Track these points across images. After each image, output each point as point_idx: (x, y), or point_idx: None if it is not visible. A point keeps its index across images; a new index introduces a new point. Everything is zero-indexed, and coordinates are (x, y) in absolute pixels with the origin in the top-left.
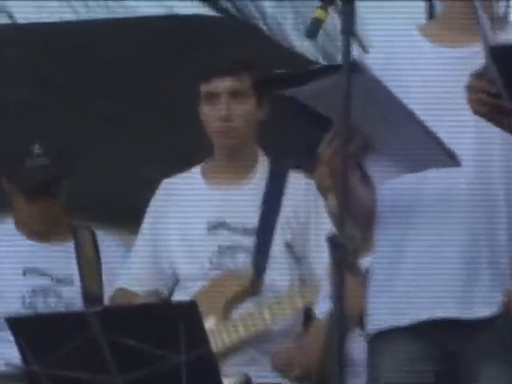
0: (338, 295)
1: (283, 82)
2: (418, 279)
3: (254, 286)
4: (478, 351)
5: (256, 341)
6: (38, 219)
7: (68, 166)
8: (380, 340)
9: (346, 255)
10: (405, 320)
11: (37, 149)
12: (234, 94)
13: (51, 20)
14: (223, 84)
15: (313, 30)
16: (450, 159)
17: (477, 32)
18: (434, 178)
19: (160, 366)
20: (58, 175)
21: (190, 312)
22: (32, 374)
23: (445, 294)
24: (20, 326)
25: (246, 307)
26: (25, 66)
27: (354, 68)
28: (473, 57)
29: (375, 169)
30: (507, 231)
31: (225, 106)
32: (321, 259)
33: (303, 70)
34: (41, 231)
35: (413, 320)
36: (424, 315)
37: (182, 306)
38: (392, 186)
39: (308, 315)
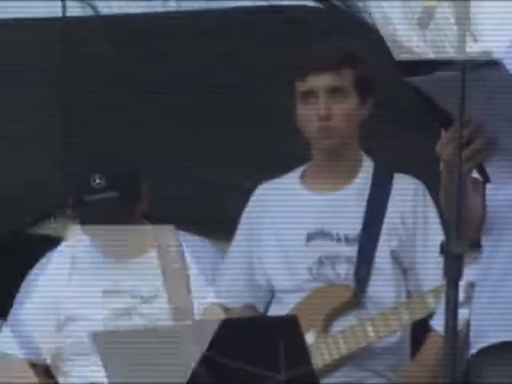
0: (453, 312)
1: (413, 69)
2: None
3: (356, 298)
4: None
5: (358, 357)
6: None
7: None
8: (488, 357)
9: (460, 266)
10: None
11: (98, 180)
12: (334, 92)
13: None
14: (321, 81)
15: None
16: None
17: None
18: None
19: None
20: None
21: (291, 327)
22: None
23: None
24: (105, 342)
25: (348, 321)
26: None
27: (488, 63)
28: None
29: (495, 170)
30: None
31: (324, 105)
32: (430, 270)
33: (434, 59)
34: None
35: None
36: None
37: (281, 320)
38: (507, 191)
39: (425, 329)
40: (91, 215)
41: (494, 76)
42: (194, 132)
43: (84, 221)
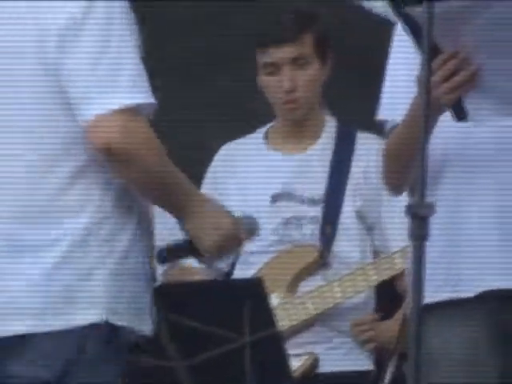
0: (417, 272)
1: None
2: (480, 245)
3: (322, 258)
4: None
5: (326, 318)
6: None
7: None
8: (434, 314)
9: (425, 228)
10: (465, 291)
11: None
12: (296, 62)
13: None
14: (283, 53)
15: None
16: None
17: None
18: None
19: (222, 349)
20: None
21: (256, 289)
22: None
23: (506, 262)
24: None
25: (315, 282)
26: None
27: None
28: None
29: (475, 106)
30: None
31: (288, 77)
32: (396, 230)
33: None
34: None
35: (474, 291)
36: (485, 287)
37: (247, 283)
38: (443, 134)
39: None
40: None
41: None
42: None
43: None
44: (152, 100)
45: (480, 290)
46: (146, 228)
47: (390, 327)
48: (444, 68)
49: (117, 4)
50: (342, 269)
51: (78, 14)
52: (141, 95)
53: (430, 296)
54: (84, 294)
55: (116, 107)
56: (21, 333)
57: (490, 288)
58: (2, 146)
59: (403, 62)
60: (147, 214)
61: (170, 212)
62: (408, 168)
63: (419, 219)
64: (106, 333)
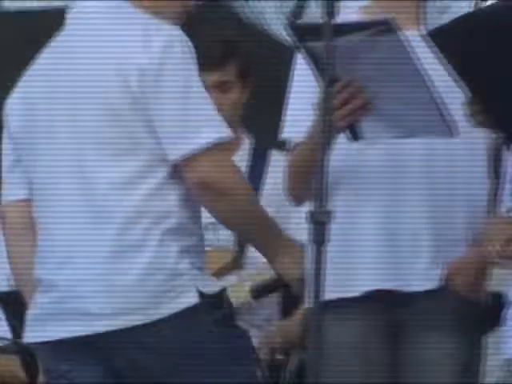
0: (317, 273)
1: (313, 34)
2: (366, 251)
3: (236, 260)
4: (419, 322)
5: (239, 314)
6: None
7: None
8: (328, 311)
9: (324, 233)
10: (353, 291)
11: None
12: (221, 86)
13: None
14: (208, 76)
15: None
16: (447, 130)
17: None
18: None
19: None
20: None
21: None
22: (22, 347)
23: (388, 266)
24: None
25: (230, 281)
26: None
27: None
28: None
29: (369, 129)
30: (448, 208)
31: (213, 99)
32: (301, 236)
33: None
34: None
35: (360, 291)
36: (369, 286)
37: None
38: (340, 152)
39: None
40: None
41: (384, 43)
42: None
43: None
44: (231, 133)
45: (364, 289)
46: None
47: (288, 327)
48: (339, 96)
49: (187, 41)
50: (254, 269)
51: (159, 54)
52: (225, 129)
53: (326, 295)
54: (176, 283)
55: (209, 143)
56: (140, 323)
57: (372, 288)
58: (92, 165)
59: (304, 86)
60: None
61: (254, 246)
62: (309, 181)
63: (319, 225)
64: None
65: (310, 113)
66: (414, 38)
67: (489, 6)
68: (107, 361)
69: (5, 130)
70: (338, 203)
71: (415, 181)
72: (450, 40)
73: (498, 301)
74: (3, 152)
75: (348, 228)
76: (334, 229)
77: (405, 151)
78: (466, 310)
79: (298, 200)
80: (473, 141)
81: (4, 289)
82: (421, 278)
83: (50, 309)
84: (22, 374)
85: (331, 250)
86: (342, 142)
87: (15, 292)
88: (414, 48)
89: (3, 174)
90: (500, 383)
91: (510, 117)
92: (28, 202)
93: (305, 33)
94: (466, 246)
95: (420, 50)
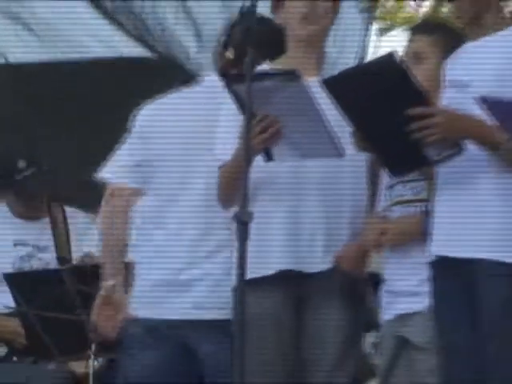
0: (241, 262)
1: (236, 80)
2: (276, 241)
3: None
4: (320, 299)
5: None
6: (23, 207)
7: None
8: (249, 287)
9: (247, 232)
10: (267, 271)
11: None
12: None
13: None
14: None
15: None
16: (337, 153)
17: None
18: (288, 167)
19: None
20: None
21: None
22: (23, 313)
23: (293, 254)
24: (14, 280)
25: None
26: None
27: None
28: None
29: (279, 152)
30: (324, 211)
31: None
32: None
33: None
34: (26, 214)
35: (273, 270)
36: (278, 268)
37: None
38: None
39: None
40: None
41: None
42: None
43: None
44: None
45: (269, 272)
46: None
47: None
48: (256, 127)
49: None
50: None
51: None
52: None
53: (249, 274)
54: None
55: None
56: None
57: (281, 268)
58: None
59: (232, 120)
60: None
61: None
62: (235, 190)
63: (242, 224)
64: None
65: (235, 140)
66: (314, 83)
67: (367, 63)
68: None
69: (134, 131)
70: (256, 208)
71: (313, 191)
72: (338, 86)
73: (374, 279)
74: (130, 147)
75: (263, 225)
76: (253, 227)
77: (305, 168)
78: (351, 286)
79: (226, 205)
80: (356, 160)
81: (11, 271)
82: (317, 261)
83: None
84: (21, 331)
85: (251, 241)
86: (259, 161)
87: (20, 273)
88: (312, 91)
89: (122, 157)
90: (377, 341)
91: (382, 145)
92: (134, 191)
93: (231, 79)
94: (351, 237)
95: (318, 92)
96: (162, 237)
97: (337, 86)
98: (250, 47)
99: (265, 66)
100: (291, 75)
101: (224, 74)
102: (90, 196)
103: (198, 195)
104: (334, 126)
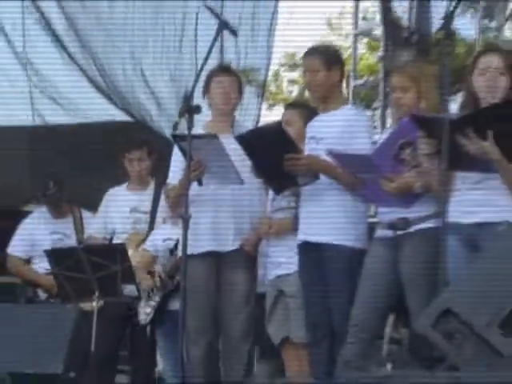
0: (184, 245)
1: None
2: (203, 234)
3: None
4: (228, 265)
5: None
6: (54, 210)
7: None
8: (189, 259)
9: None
10: (200, 249)
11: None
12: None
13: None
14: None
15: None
16: (239, 181)
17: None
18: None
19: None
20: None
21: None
22: (55, 273)
23: (214, 242)
24: (51, 254)
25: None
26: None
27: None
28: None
29: (206, 181)
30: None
31: None
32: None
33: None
34: (57, 214)
35: (201, 251)
36: (207, 248)
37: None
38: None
39: None
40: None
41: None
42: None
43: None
44: None
45: (200, 250)
46: None
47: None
48: (193, 165)
49: None
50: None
51: None
52: None
53: (188, 251)
54: None
55: None
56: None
57: (207, 250)
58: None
59: (179, 161)
60: None
61: None
62: (180, 200)
63: (185, 220)
64: None
65: (180, 172)
66: (228, 139)
67: (262, 125)
68: None
69: None
70: (192, 210)
71: (226, 202)
72: (244, 139)
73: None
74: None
75: (196, 221)
76: (191, 222)
77: (221, 190)
78: (250, 259)
79: (174, 209)
80: (253, 183)
81: (49, 248)
82: (229, 244)
83: None
84: (54, 284)
85: (190, 231)
86: (194, 185)
87: (54, 249)
88: (226, 145)
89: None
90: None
91: (269, 175)
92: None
93: (178, 138)
94: (250, 230)
95: (230, 143)
96: None
97: (243, 139)
98: (189, 119)
99: (199, 130)
100: (213, 136)
101: (173, 135)
102: (92, 200)
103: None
104: (238, 164)
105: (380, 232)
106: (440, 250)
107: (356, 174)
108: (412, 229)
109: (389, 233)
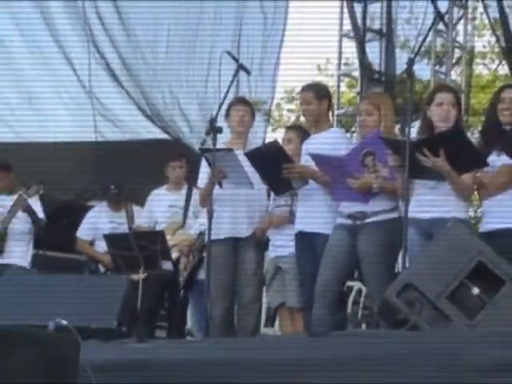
0: (209, 233)
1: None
2: (224, 222)
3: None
4: (246, 248)
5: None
6: (112, 205)
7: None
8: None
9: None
10: (221, 235)
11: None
12: None
13: None
14: None
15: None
16: (250, 186)
17: None
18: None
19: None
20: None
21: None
22: (111, 252)
23: (233, 230)
24: (109, 238)
25: (179, 233)
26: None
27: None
28: None
29: (225, 185)
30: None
31: None
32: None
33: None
34: (114, 208)
35: (224, 236)
36: (226, 235)
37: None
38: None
39: None
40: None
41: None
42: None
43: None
44: None
45: (222, 236)
46: None
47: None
48: (215, 173)
49: None
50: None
51: None
52: None
53: (212, 236)
54: None
55: None
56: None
57: (228, 236)
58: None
59: (205, 169)
60: None
61: None
62: (207, 199)
63: (210, 215)
64: None
65: (206, 177)
66: (240, 154)
67: (265, 144)
68: None
69: None
70: (216, 207)
71: (241, 202)
72: (251, 155)
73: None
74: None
75: (217, 216)
76: (214, 216)
77: (237, 191)
78: (259, 243)
79: (203, 205)
80: (261, 188)
81: (108, 233)
82: (244, 232)
83: None
84: (110, 260)
85: (213, 222)
86: (216, 188)
87: (111, 234)
88: (240, 157)
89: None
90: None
91: (271, 180)
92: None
93: (205, 151)
94: (259, 221)
95: (241, 155)
96: None
97: (251, 155)
98: (214, 138)
99: (221, 145)
100: (231, 150)
101: (201, 149)
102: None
103: None
104: (249, 172)
105: (340, 219)
106: (395, 238)
107: (330, 172)
108: (368, 220)
109: (348, 221)
